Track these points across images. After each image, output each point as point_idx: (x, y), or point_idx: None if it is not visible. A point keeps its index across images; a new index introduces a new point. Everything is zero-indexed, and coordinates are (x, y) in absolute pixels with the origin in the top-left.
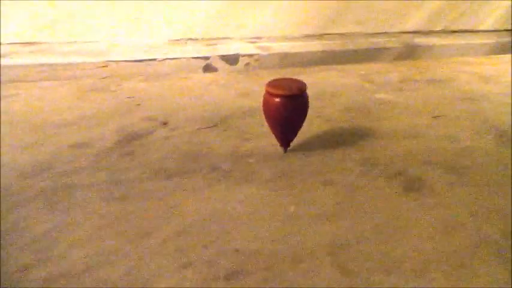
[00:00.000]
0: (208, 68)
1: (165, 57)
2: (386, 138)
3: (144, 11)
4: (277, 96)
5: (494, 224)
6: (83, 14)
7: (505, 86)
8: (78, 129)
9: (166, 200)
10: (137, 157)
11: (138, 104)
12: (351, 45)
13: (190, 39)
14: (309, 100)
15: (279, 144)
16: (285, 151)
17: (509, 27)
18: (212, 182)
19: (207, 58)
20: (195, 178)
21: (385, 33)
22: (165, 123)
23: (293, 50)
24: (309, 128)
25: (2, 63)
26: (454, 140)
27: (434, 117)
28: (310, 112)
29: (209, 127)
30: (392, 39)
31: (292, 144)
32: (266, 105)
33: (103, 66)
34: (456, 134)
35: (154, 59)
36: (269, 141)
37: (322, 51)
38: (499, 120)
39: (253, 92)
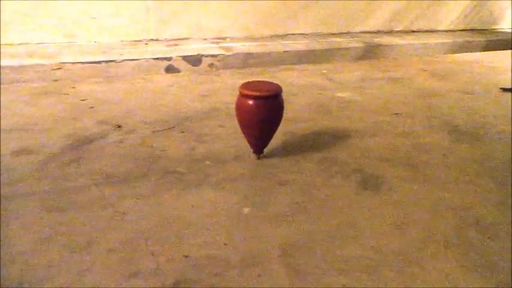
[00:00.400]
0: (170, 69)
1: (123, 59)
2: (346, 136)
3: (102, 11)
4: (251, 97)
5: (445, 219)
6: (34, 13)
7: (460, 83)
8: (24, 135)
9: (114, 207)
10: (86, 163)
11: (92, 107)
12: (313, 45)
13: (152, 39)
14: None
15: (252, 150)
16: (258, 157)
17: (465, 28)
18: (165, 186)
19: (168, 59)
20: (147, 183)
21: (348, 33)
22: (119, 127)
23: (257, 50)
24: None
25: None
26: (411, 136)
27: (395, 114)
28: None
29: (166, 129)
30: (354, 39)
31: (248, 144)
32: (240, 108)
33: (57, 69)
34: (413, 130)
35: (113, 61)
36: (227, 142)
37: (285, 51)
38: (454, 116)
39: (214, 93)
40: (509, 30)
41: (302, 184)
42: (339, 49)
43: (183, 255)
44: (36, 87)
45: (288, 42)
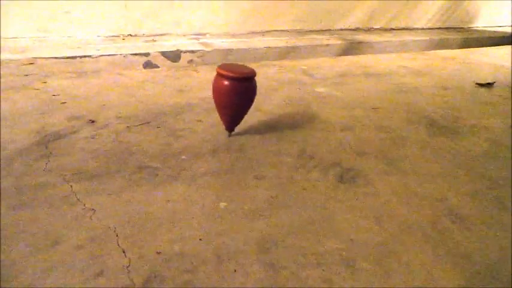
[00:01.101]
0: (148, 65)
1: (100, 54)
2: (324, 130)
3: (77, 5)
4: (227, 78)
5: (422, 210)
6: (7, 8)
7: (436, 79)
8: None
9: (83, 204)
10: (55, 159)
11: (64, 102)
12: (293, 42)
13: (130, 35)
14: None
15: (224, 127)
16: (230, 135)
17: (441, 26)
18: (138, 182)
19: (147, 55)
20: (119, 179)
21: (328, 30)
22: (91, 122)
23: (237, 46)
24: (247, 122)
25: None
26: (389, 130)
27: (373, 108)
28: None
29: (141, 124)
30: (334, 36)
31: (227, 138)
32: (216, 87)
33: (28, 64)
34: (390, 124)
35: (89, 56)
36: (203, 137)
37: (266, 47)
38: (431, 110)
39: (191, 88)
40: (484, 29)
41: (279, 178)
42: (319, 46)
43: (156, 252)
44: (5, 82)
45: (268, 38)
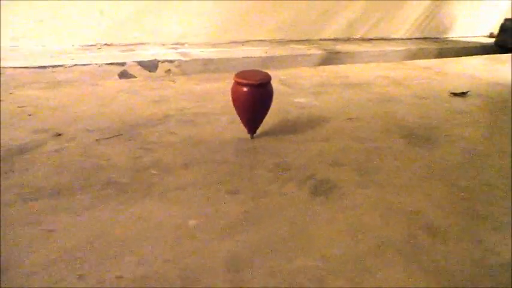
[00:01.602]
0: (124, 75)
1: (74, 64)
2: (300, 141)
3: (50, 13)
4: (245, 85)
5: (397, 224)
6: None
7: (413, 89)
8: None
9: (40, 225)
10: (14, 176)
11: (30, 115)
12: (273, 52)
13: (106, 44)
14: (225, 106)
15: (246, 131)
16: (252, 137)
17: (418, 36)
18: (104, 199)
19: (122, 64)
20: (84, 196)
21: (307, 40)
22: (58, 135)
23: (216, 56)
24: (221, 135)
25: None
26: (365, 140)
27: (350, 119)
28: (224, 117)
29: (111, 137)
30: (314, 46)
31: (199, 151)
32: (235, 94)
33: None
34: (367, 135)
35: (61, 65)
36: (176, 150)
37: (245, 57)
38: (408, 120)
39: (167, 99)
40: (459, 39)
41: (253, 192)
42: (299, 56)
43: (116, 276)
44: None
45: (248, 48)
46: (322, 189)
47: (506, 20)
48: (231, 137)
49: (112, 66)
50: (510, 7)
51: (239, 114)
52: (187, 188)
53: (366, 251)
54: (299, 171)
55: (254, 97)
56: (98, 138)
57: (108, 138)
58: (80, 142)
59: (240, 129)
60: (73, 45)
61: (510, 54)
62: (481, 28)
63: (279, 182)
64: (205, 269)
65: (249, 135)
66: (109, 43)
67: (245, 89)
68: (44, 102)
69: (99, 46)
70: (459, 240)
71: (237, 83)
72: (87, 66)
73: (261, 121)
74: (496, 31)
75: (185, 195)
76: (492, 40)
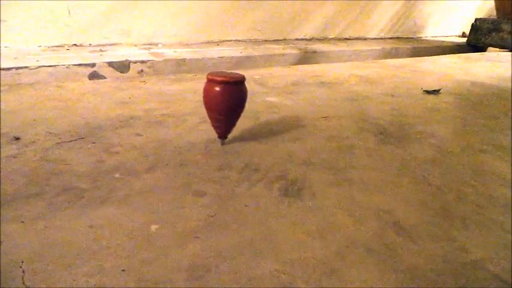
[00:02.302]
0: (94, 76)
1: (39, 65)
2: (271, 141)
3: (14, 13)
4: (218, 83)
5: (367, 223)
6: None
7: (386, 87)
8: None
9: None
10: None
11: None
12: (248, 52)
13: (75, 45)
14: (196, 107)
15: (217, 136)
16: (223, 143)
17: (392, 36)
18: (60, 205)
19: (92, 65)
20: (39, 203)
21: (283, 40)
22: (16, 139)
23: (190, 56)
24: (189, 136)
25: None
26: (337, 139)
27: (323, 117)
28: (194, 118)
29: (73, 141)
30: (290, 45)
31: (166, 153)
32: (207, 94)
33: None
34: (340, 133)
35: (26, 67)
36: (142, 152)
37: (220, 57)
38: (380, 118)
39: (136, 100)
40: (433, 38)
41: (220, 195)
42: (274, 55)
43: None
44: None
45: (223, 48)
46: (292, 189)
47: (476, 19)
48: (200, 138)
49: (81, 68)
50: (481, 7)
51: (210, 116)
52: (151, 192)
53: (334, 252)
54: (269, 172)
55: (228, 96)
56: (59, 141)
57: (69, 141)
58: (39, 146)
59: (208, 130)
60: (39, 46)
61: (495, 53)
62: (453, 28)
63: (248, 184)
64: (165, 277)
65: (219, 140)
66: (78, 44)
67: (218, 88)
68: (3, 105)
69: (67, 47)
70: (430, 238)
71: (210, 81)
72: (53, 67)
73: (233, 125)
74: (467, 31)
75: (148, 199)
76: (464, 39)
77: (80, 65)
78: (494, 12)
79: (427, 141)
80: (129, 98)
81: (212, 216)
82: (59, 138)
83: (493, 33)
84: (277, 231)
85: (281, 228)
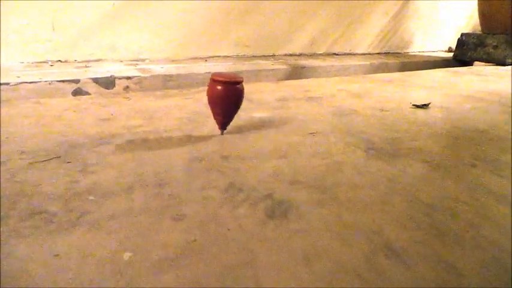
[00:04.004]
0: (78, 92)
1: (20, 81)
2: (257, 158)
3: None
4: (220, 83)
5: (356, 245)
6: None
7: (376, 102)
8: None
9: None
10: None
11: None
12: (236, 67)
13: (59, 61)
14: (181, 123)
15: (218, 127)
16: (222, 133)
17: (380, 51)
18: (23, 232)
19: (76, 81)
20: (1, 229)
21: (272, 55)
22: None
23: (177, 72)
24: (171, 154)
25: None
26: (325, 156)
27: (311, 133)
28: (177, 135)
29: (47, 160)
30: (278, 61)
31: (145, 172)
32: (211, 91)
33: None
34: (328, 149)
35: (6, 83)
36: (120, 172)
37: (207, 73)
38: (369, 133)
39: (118, 116)
40: (420, 53)
41: (201, 217)
42: (262, 71)
43: None
44: None
45: (211, 64)
46: (278, 210)
47: (462, 34)
48: (182, 156)
49: (64, 84)
50: (466, 22)
51: (213, 110)
52: (126, 215)
53: (320, 279)
54: (254, 192)
55: (229, 94)
56: (31, 161)
57: (43, 161)
58: (9, 166)
59: (191, 148)
60: (22, 62)
61: (481, 67)
62: (439, 43)
63: (231, 205)
64: None
65: (219, 131)
66: (63, 60)
67: (220, 87)
68: None
69: (51, 63)
70: (422, 260)
71: (213, 81)
72: (35, 83)
73: (231, 119)
74: (454, 45)
75: (122, 223)
76: (451, 54)
77: (63, 81)
78: (479, 27)
79: (417, 157)
80: (111, 114)
81: (191, 242)
82: (32, 158)
83: (479, 48)
84: (261, 256)
85: (264, 254)
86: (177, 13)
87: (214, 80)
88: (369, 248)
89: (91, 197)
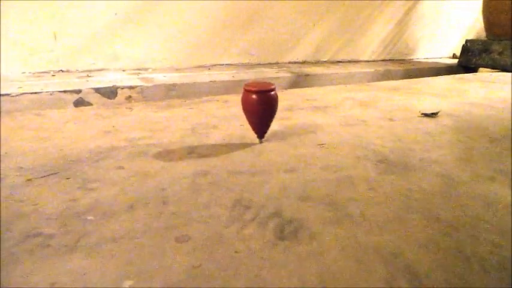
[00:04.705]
0: (80, 103)
1: (21, 92)
2: (265, 173)
3: None
4: (254, 92)
5: (374, 268)
6: None
7: (383, 110)
8: None
9: None
10: None
11: None
12: (241, 76)
13: (61, 71)
14: (184, 135)
15: (256, 136)
16: (261, 141)
17: (385, 58)
18: (18, 257)
19: (78, 92)
20: None
21: (276, 63)
22: None
23: (180, 81)
24: (175, 168)
25: None
26: (336, 169)
27: (319, 145)
28: (181, 148)
29: (45, 176)
30: (283, 69)
31: (148, 189)
32: (245, 101)
33: None
34: (338, 162)
35: (7, 94)
36: (123, 188)
37: (211, 81)
38: (379, 144)
39: (120, 128)
40: (425, 60)
41: (207, 239)
42: (267, 79)
43: None
44: None
45: (214, 72)
46: (287, 230)
47: (467, 41)
48: (187, 171)
49: (66, 94)
50: (471, 28)
51: (249, 120)
52: (127, 238)
53: None
54: (262, 209)
55: (262, 102)
56: (30, 177)
57: (42, 177)
58: (6, 183)
59: (196, 161)
60: (24, 73)
61: (487, 74)
62: (444, 49)
63: (239, 224)
64: None
65: (257, 139)
66: (65, 69)
67: (254, 96)
68: None
69: (53, 73)
70: (445, 286)
71: (246, 91)
72: (37, 94)
73: (268, 126)
74: (458, 52)
75: (123, 246)
76: (455, 61)
77: (65, 91)
78: (484, 33)
79: (431, 170)
80: (114, 126)
81: (196, 267)
82: (31, 174)
83: (484, 54)
84: (271, 283)
85: (275, 280)
86: (181, 21)
87: (248, 90)
88: (389, 272)
89: (90, 217)
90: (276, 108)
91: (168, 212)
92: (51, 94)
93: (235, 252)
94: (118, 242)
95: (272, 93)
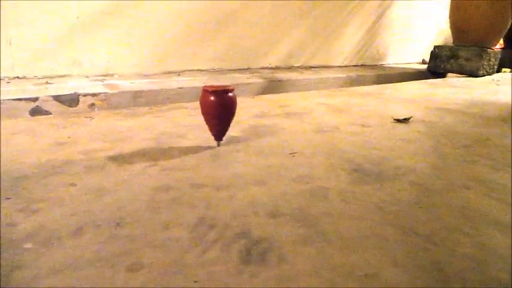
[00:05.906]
0: (37, 112)
1: None
2: (231, 186)
3: None
4: (212, 93)
5: None
6: None
7: (355, 116)
8: None
9: None
10: None
11: None
12: (211, 82)
13: (17, 78)
14: (147, 147)
15: (214, 139)
16: (219, 145)
17: (357, 63)
18: None
19: (35, 100)
20: None
21: (248, 69)
22: None
23: (148, 87)
24: (134, 181)
25: None
26: (308, 180)
27: (291, 154)
28: (142, 160)
29: None
30: (254, 74)
31: (101, 209)
32: (203, 102)
33: None
34: (310, 173)
35: None
36: (72, 208)
37: (180, 88)
38: (352, 152)
39: (76, 139)
40: (395, 65)
41: (164, 266)
42: (238, 85)
43: None
44: None
45: (184, 78)
46: (255, 252)
47: (435, 47)
48: (146, 186)
49: (21, 103)
50: (439, 33)
51: (207, 121)
52: (71, 268)
53: None
54: (227, 228)
55: (221, 103)
56: None
57: None
58: None
59: (159, 176)
60: None
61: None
62: (413, 55)
63: (200, 247)
64: None
65: (215, 143)
66: (21, 76)
67: (212, 98)
68: None
69: (8, 80)
70: None
71: (205, 91)
72: None
73: (227, 129)
74: (427, 57)
75: (66, 280)
76: (425, 66)
77: (19, 99)
78: (451, 40)
79: (406, 179)
80: (70, 137)
81: None
82: None
83: (452, 60)
84: None
85: None
86: (149, 26)
87: (206, 90)
88: None
89: (28, 245)
90: (235, 110)
91: (121, 235)
92: (3, 103)
93: (195, 281)
94: (58, 275)
95: (230, 94)
